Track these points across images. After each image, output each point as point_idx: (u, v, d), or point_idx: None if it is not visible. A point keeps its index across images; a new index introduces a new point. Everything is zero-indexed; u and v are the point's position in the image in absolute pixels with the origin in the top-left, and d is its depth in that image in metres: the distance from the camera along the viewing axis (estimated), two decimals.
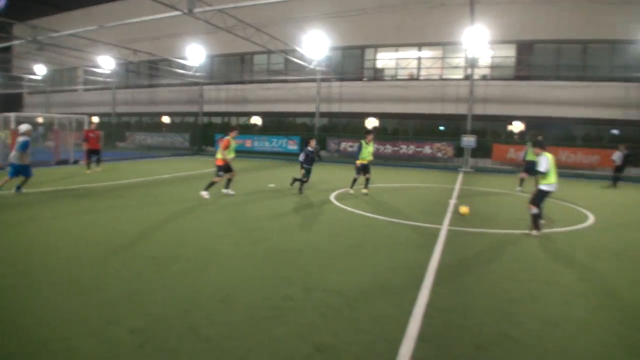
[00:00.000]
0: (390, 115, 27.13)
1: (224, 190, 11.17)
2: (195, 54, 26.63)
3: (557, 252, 6.82)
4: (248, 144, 28.13)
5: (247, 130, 29.63)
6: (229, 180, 11.18)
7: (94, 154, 15.37)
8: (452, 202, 11.16)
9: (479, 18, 20.76)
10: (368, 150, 11.78)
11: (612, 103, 23.33)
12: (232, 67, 31.82)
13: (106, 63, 27.77)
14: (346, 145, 25.79)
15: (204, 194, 10.45)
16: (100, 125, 18.85)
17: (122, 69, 33.02)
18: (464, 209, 9.23)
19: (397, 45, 26.84)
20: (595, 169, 22.00)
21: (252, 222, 8.10)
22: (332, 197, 11.19)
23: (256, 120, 31.07)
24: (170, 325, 3.77)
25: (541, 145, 8.20)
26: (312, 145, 11.75)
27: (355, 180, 12.05)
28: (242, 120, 32.01)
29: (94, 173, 14.64)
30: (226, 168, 10.77)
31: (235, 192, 11.23)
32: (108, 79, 34.19)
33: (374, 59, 27.92)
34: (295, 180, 12.04)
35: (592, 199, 12.85)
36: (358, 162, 11.75)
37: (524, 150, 14.43)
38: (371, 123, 27.61)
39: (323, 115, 28.22)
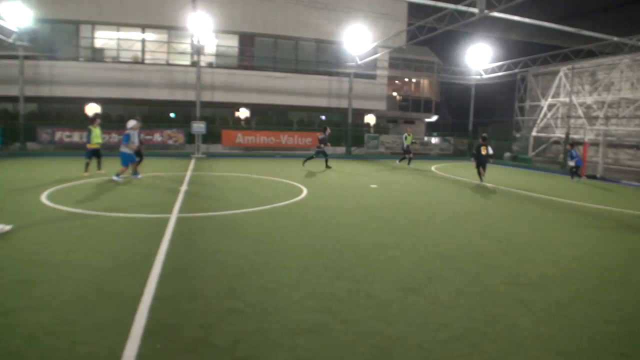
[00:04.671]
0: (115, 101, 24.99)
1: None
2: None
3: (278, 223, 7.60)
4: None
5: None
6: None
7: None
8: (183, 189, 11.12)
9: (203, 6, 21.06)
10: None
11: (319, 93, 27.36)
12: None
13: None
14: (63, 135, 22.51)
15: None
16: None
17: None
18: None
19: (118, 25, 24.69)
20: (309, 149, 25.44)
21: None
22: (43, 196, 9.59)
23: None
24: None
25: None
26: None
27: (88, 165, 13.24)
28: None
29: None
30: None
31: None
32: None
33: (92, 37, 25.09)
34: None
35: (307, 176, 14.96)
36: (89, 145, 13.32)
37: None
38: (92, 109, 24.93)
39: (30, 100, 23.71)
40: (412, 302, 4.37)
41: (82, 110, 24.80)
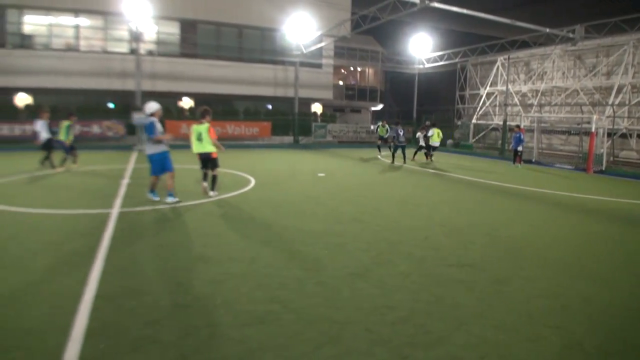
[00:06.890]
0: (46, 91, 23.50)
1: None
2: None
3: (226, 214, 7.48)
4: None
5: None
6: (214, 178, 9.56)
7: None
8: (125, 182, 10.68)
9: None
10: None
11: (265, 82, 27.06)
12: None
13: None
14: None
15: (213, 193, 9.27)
16: None
17: None
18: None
19: (48, 9, 23.15)
20: (256, 139, 25.14)
21: None
22: None
23: None
24: None
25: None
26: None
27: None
28: None
29: None
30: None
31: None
32: None
33: (20, 23, 23.38)
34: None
35: (255, 166, 14.76)
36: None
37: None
38: (23, 100, 23.37)
39: None
40: (360, 288, 4.45)
41: (11, 101, 23.17)
